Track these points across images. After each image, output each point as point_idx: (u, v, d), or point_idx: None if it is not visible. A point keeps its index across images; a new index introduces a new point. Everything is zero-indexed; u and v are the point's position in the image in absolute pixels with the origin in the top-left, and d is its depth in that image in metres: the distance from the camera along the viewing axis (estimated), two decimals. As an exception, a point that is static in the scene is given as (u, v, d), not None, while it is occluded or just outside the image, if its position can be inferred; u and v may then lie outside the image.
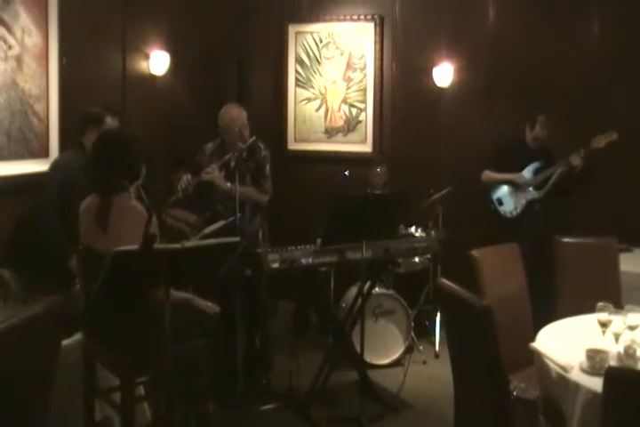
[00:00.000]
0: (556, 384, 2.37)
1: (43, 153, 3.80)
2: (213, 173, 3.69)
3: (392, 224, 3.66)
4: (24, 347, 1.96)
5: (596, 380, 2.17)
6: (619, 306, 2.65)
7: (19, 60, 3.59)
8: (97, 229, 2.65)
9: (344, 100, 5.51)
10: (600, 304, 2.60)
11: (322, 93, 5.55)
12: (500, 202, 4.69)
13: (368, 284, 3.76)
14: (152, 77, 4.91)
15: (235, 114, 3.83)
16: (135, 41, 4.70)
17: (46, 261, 2.91)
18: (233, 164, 3.60)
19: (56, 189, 3.29)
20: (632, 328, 2.50)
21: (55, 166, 3.48)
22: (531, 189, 4.58)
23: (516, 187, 4.61)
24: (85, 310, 2.67)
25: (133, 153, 2.84)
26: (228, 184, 3.63)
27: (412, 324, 4.32)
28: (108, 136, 2.95)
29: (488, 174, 4.70)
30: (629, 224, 4.48)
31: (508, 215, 4.65)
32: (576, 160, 4.37)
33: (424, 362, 4.33)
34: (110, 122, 3.49)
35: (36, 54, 3.73)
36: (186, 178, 3.70)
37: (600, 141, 4.33)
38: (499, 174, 4.66)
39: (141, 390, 2.93)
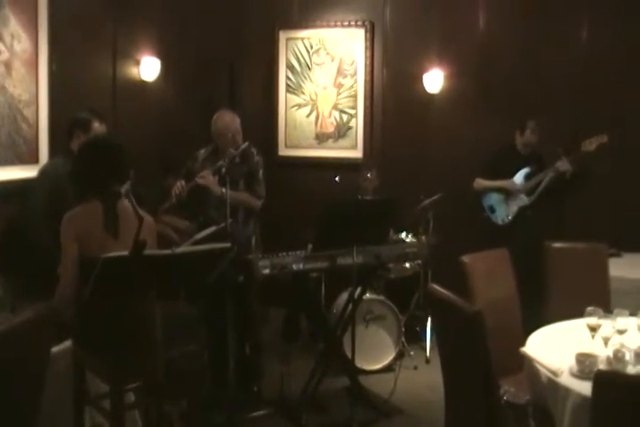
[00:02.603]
0: (546, 389, 2.38)
1: (32, 159, 3.78)
2: (207, 178, 3.70)
3: (382, 230, 3.67)
4: (14, 353, 1.95)
5: (585, 384, 2.18)
6: (608, 310, 2.66)
7: (8, 65, 3.58)
8: (106, 236, 2.62)
9: (335, 106, 5.53)
10: (589, 309, 2.61)
11: (312, 99, 5.56)
12: (492, 209, 4.71)
13: (359, 289, 3.76)
14: (143, 83, 4.90)
15: (228, 120, 3.85)
16: (126, 47, 4.70)
17: (35, 268, 2.90)
18: (224, 170, 3.61)
19: (44, 197, 3.26)
20: (621, 332, 2.51)
21: (43, 173, 3.45)
22: (522, 195, 4.60)
23: (508, 194, 4.63)
24: (75, 317, 2.65)
25: (125, 156, 2.83)
26: (222, 189, 3.63)
27: (403, 329, 4.32)
28: (98, 141, 2.93)
29: (480, 182, 4.71)
30: (619, 229, 4.51)
31: (500, 222, 4.67)
32: (563, 166, 4.40)
33: (415, 367, 4.33)
34: (97, 127, 3.47)
35: (26, 60, 3.72)
36: (180, 184, 3.70)
37: (591, 144, 4.35)
38: (490, 182, 4.68)
39: (132, 397, 2.91)
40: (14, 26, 3.61)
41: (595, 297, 2.98)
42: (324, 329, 3.92)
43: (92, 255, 2.51)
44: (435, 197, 4.53)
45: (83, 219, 2.64)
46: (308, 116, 5.58)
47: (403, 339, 4.33)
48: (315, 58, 5.54)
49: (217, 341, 3.61)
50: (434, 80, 5.22)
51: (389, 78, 5.41)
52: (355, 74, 5.45)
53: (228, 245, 2.76)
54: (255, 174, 3.88)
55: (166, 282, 2.65)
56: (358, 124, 5.47)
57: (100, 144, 2.84)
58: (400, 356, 4.30)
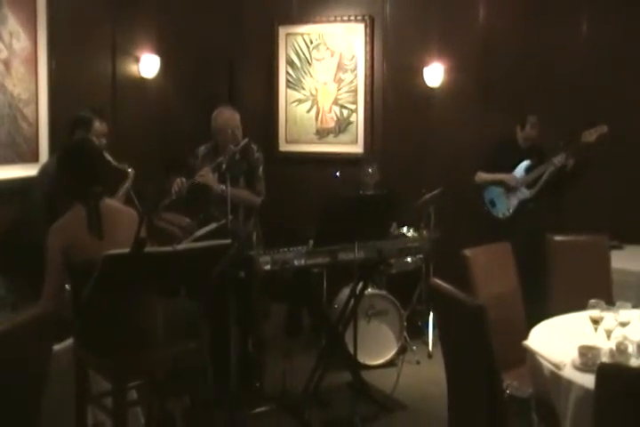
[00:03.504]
0: (548, 382, 2.38)
1: (32, 157, 3.79)
2: (207, 176, 3.70)
3: (384, 225, 3.66)
4: (15, 352, 1.95)
5: (588, 377, 2.17)
6: (610, 303, 2.66)
7: (7, 63, 3.58)
8: (92, 238, 2.60)
9: (335, 102, 5.51)
10: (592, 301, 2.61)
11: (313, 95, 5.55)
12: (493, 203, 4.70)
13: (360, 284, 3.76)
14: (142, 80, 4.89)
15: (228, 116, 3.84)
16: (125, 44, 4.69)
17: (35, 266, 2.89)
18: (224, 166, 3.61)
19: (45, 195, 3.26)
20: (623, 325, 2.51)
21: (43, 171, 3.46)
22: (523, 188, 4.59)
23: (508, 188, 4.62)
24: (75, 316, 2.65)
25: (100, 159, 2.81)
26: (222, 186, 3.63)
27: (405, 324, 4.32)
28: (70, 147, 2.88)
29: (481, 175, 4.71)
30: (620, 222, 4.50)
31: (501, 216, 4.67)
32: (560, 160, 4.40)
33: (417, 362, 4.33)
34: (98, 126, 3.48)
35: (25, 58, 3.72)
36: (179, 180, 3.71)
37: (591, 135, 4.34)
38: (491, 175, 4.67)
39: (134, 395, 2.92)
40: (13, 24, 3.61)
41: (597, 290, 2.98)
42: (325, 324, 3.92)
43: (83, 259, 2.51)
44: (436, 192, 4.52)
45: (68, 228, 2.63)
46: (309, 111, 5.57)
47: (405, 334, 4.33)
48: (314, 53, 5.52)
49: (219, 337, 3.61)
50: (434, 74, 5.20)
51: (389, 73, 5.39)
52: (355, 69, 5.44)
53: (228, 241, 2.76)
54: (255, 171, 3.88)
55: (167, 279, 2.65)
56: (359, 119, 5.46)
57: (72, 150, 2.79)
58: (402, 351, 4.30)
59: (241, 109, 4.02)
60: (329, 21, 5.46)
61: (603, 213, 4.67)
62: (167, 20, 5.09)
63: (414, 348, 4.45)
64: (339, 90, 5.50)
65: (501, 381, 2.49)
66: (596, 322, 2.55)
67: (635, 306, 2.65)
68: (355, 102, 5.46)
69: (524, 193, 4.58)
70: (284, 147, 5.64)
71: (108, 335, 2.56)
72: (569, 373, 2.30)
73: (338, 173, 4.60)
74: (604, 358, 2.32)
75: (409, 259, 4.50)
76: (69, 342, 2.75)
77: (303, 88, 5.57)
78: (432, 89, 5.25)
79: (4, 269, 3.13)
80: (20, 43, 3.67)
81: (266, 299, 4.20)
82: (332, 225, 3.37)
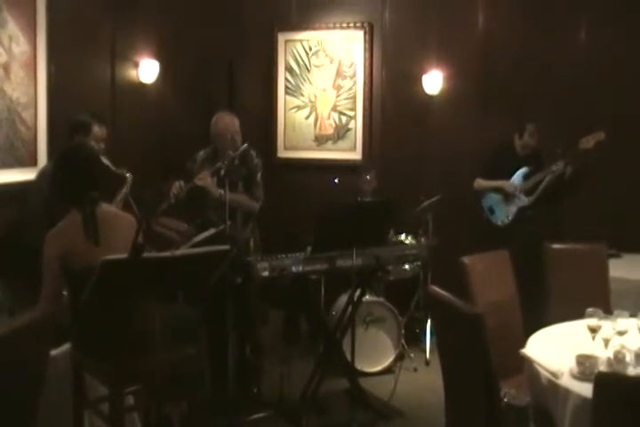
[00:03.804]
0: (546, 390, 2.38)
1: (31, 161, 3.79)
2: (206, 179, 3.70)
3: (382, 232, 3.67)
4: (12, 356, 1.94)
5: (585, 385, 2.18)
6: (608, 311, 2.66)
7: (6, 67, 3.58)
8: (89, 244, 2.60)
9: (334, 108, 5.52)
10: (589, 310, 2.61)
11: (311, 101, 5.56)
12: (492, 211, 4.71)
13: (358, 291, 3.76)
14: (141, 85, 4.90)
15: (227, 121, 3.86)
16: (124, 49, 4.70)
17: (33, 270, 2.89)
18: (223, 171, 3.61)
19: (43, 199, 3.26)
20: (621, 333, 2.51)
21: (42, 175, 3.45)
22: (522, 195, 4.60)
23: (507, 195, 4.63)
24: (73, 320, 2.65)
25: (96, 164, 2.81)
26: (220, 190, 3.64)
27: (403, 331, 4.31)
28: (67, 151, 2.87)
29: (480, 182, 4.72)
30: (618, 230, 4.51)
31: (500, 223, 4.67)
32: (559, 168, 4.41)
33: (415, 369, 4.32)
34: (97, 130, 3.48)
35: (24, 62, 3.72)
36: (178, 184, 3.72)
37: (588, 142, 4.36)
38: (489, 182, 4.68)
39: (131, 400, 2.91)
40: (13, 28, 3.61)
41: (595, 298, 2.98)
42: (323, 331, 3.91)
43: (81, 265, 2.50)
44: (434, 199, 4.52)
45: (65, 235, 2.62)
46: (307, 117, 5.58)
47: (402, 341, 4.33)
48: (313, 60, 5.53)
49: (217, 342, 3.60)
50: (433, 81, 5.21)
51: (388, 80, 5.40)
52: (354, 75, 5.45)
53: (227, 247, 2.76)
54: (254, 177, 3.89)
55: (165, 285, 2.65)
56: (357, 125, 5.47)
57: (68, 154, 2.78)
58: (400, 358, 4.29)
59: (240, 115, 4.03)
60: (328, 28, 5.47)
61: (601, 221, 4.68)
62: (167, 25, 5.10)
63: (412, 355, 4.44)
64: (337, 96, 5.51)
65: (499, 389, 2.49)
66: (593, 331, 2.55)
67: (632, 315, 2.66)
68: (353, 109, 5.47)
69: (523, 200, 4.59)
70: (283, 153, 5.64)
71: (106, 340, 2.55)
72: (567, 381, 2.31)
73: (336, 180, 4.61)
74: (602, 367, 2.32)
75: (407, 266, 4.49)
76: (66, 347, 2.74)
77: (302, 94, 5.58)
78: (431, 96, 5.26)
79: (1, 273, 3.12)
80: (20, 47, 3.68)
81: (264, 305, 4.19)
82: (330, 232, 3.37)
